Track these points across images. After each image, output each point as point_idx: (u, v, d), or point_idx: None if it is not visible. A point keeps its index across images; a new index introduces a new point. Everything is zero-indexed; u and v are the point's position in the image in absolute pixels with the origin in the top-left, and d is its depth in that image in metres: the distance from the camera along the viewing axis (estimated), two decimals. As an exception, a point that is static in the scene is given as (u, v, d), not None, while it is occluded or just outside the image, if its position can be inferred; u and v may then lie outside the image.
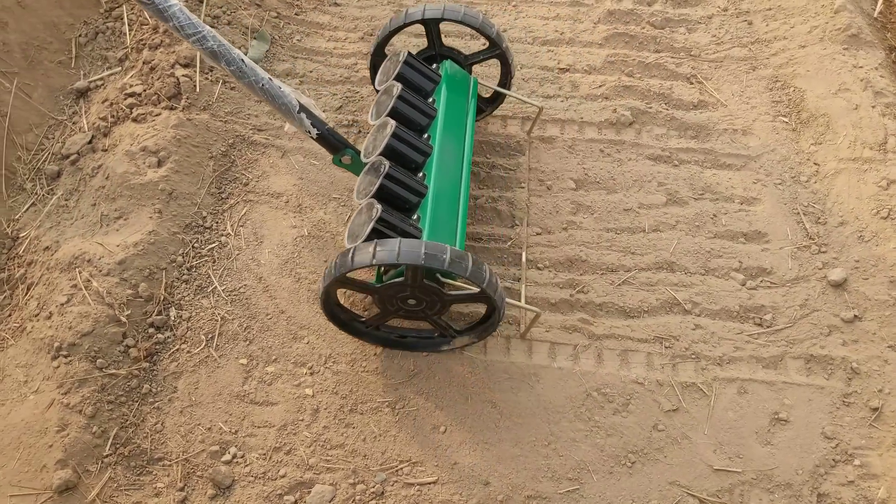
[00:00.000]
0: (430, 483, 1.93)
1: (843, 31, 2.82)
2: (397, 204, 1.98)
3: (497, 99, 2.59)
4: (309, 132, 1.99)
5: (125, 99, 2.57)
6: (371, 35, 2.97)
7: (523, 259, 2.33)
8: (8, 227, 2.41)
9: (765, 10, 3.05)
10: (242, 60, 1.83)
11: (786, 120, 2.71)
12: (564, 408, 2.06)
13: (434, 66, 2.38)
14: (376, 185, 1.91)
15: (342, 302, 2.09)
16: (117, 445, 1.95)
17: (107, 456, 1.92)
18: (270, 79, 1.88)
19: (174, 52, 2.67)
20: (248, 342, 2.16)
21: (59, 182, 2.49)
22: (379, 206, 1.85)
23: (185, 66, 2.63)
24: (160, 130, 2.42)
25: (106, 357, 2.03)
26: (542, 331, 2.19)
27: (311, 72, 2.83)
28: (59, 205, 2.42)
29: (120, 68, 2.78)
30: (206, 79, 2.64)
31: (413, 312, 1.99)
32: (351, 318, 2.08)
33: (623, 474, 1.95)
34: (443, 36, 2.45)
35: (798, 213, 2.45)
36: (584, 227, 2.41)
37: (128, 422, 1.99)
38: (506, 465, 1.96)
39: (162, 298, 2.18)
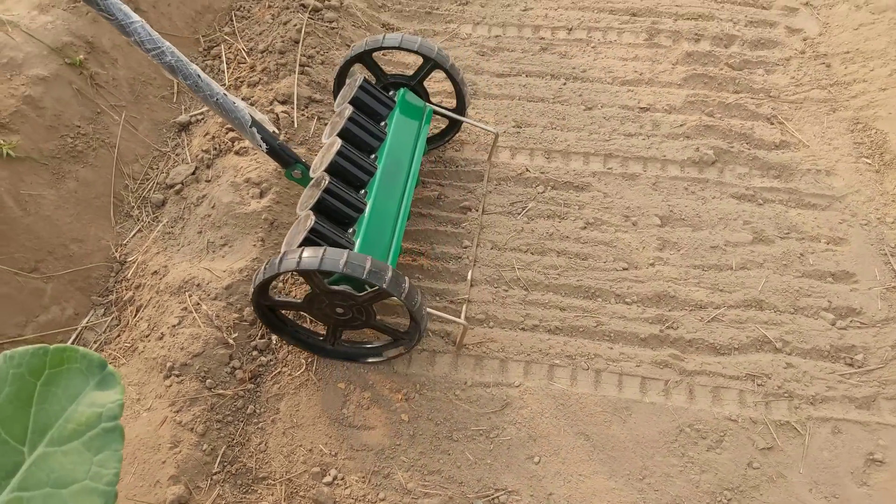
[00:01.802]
0: (526, 512, 1.96)
1: (926, 75, 2.84)
2: (335, 217, 2.11)
3: (455, 125, 2.72)
4: (261, 146, 2.10)
5: (227, 133, 2.71)
6: (454, 74, 3.08)
7: (468, 277, 2.41)
8: (116, 251, 2.54)
9: (843, 53, 3.08)
10: (198, 75, 1.94)
11: (869, 161, 2.72)
12: (657, 443, 2.08)
13: (391, 92, 2.53)
14: (315, 198, 2.04)
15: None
16: (225, 463, 2.03)
17: (216, 473, 2.00)
18: (225, 94, 1.99)
19: (272, 89, 2.81)
20: (345, 367, 2.23)
21: (164, 210, 2.63)
22: (313, 218, 1.98)
23: (283, 102, 2.77)
24: (262, 163, 2.55)
25: (214, 377, 2.12)
26: (633, 366, 2.22)
27: (397, 109, 2.94)
28: (165, 231, 2.54)
29: (218, 103, 2.92)
30: (303, 115, 2.77)
31: (345, 321, 2.10)
32: (287, 324, 2.21)
33: (719, 511, 1.96)
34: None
35: (885, 255, 2.46)
36: (671, 263, 2.44)
37: (234, 441, 2.07)
38: (601, 497, 1.98)
39: (265, 323, 2.27)
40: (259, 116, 2.08)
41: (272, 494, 2.00)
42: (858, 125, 2.84)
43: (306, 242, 1.96)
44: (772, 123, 2.85)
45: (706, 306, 2.34)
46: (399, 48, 2.42)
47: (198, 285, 2.26)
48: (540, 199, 2.65)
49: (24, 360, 0.94)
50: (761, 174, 2.69)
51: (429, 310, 2.07)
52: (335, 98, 2.63)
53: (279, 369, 2.22)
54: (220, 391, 2.11)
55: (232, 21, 3.23)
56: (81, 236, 2.51)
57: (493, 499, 1.98)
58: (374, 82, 2.57)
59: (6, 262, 2.32)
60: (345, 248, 2.00)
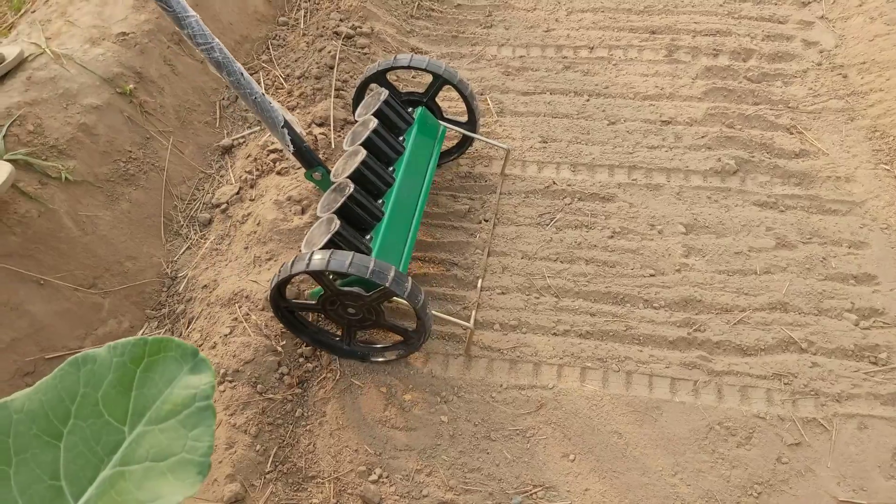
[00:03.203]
0: (563, 507, 2.05)
1: (942, 82, 2.92)
2: (354, 222, 2.24)
3: (467, 140, 2.86)
4: (288, 146, 2.23)
5: (268, 154, 2.86)
6: (481, 94, 3.22)
7: (479, 285, 2.53)
8: (167, 268, 2.69)
9: (859, 63, 3.17)
10: (242, 73, 2.06)
11: (887, 167, 2.80)
12: (688, 440, 2.16)
13: (410, 110, 2.68)
14: (339, 203, 2.18)
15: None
16: (277, 463, 2.15)
17: (268, 472, 2.12)
18: (263, 94, 2.12)
19: (310, 112, 2.97)
20: (385, 372, 2.35)
21: (210, 228, 2.78)
22: (338, 222, 2.11)
23: (321, 125, 2.92)
24: (302, 182, 2.69)
25: (265, 383, 2.25)
26: (663, 367, 2.31)
27: (428, 128, 3.08)
28: (213, 248, 2.69)
29: (258, 127, 3.09)
30: (339, 136, 2.92)
31: (358, 321, 2.24)
32: (301, 320, 2.34)
33: (750, 504, 2.03)
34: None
35: (907, 257, 2.53)
36: (697, 268, 2.54)
37: (285, 442, 2.19)
38: (635, 492, 2.07)
39: (310, 331, 2.40)
40: (290, 118, 2.22)
41: (321, 492, 2.11)
42: (876, 133, 2.92)
43: (329, 244, 2.10)
44: (791, 133, 2.94)
45: (732, 309, 2.42)
46: (409, 67, 2.58)
47: (247, 297, 2.40)
48: (567, 211, 2.76)
49: (126, 349, 1.07)
50: (782, 182, 2.78)
51: (436, 313, 2.20)
52: (354, 110, 2.79)
53: (324, 375, 2.35)
54: (271, 395, 2.24)
55: (269, 49, 3.40)
56: (135, 254, 2.66)
57: (531, 494, 2.08)
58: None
59: (67, 278, 2.48)
60: (364, 252, 2.14)
